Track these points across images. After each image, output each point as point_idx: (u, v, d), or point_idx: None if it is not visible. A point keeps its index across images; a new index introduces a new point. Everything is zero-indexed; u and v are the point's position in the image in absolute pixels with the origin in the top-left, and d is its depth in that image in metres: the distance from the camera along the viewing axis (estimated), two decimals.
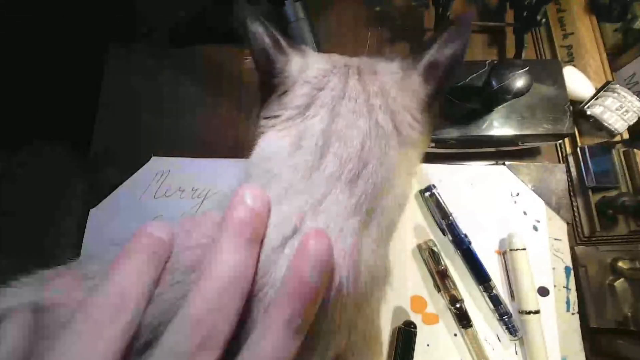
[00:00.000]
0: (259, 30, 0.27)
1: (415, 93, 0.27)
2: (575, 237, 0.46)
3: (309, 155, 0.24)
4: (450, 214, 0.43)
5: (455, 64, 0.27)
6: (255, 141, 0.28)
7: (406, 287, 0.43)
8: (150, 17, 0.55)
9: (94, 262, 0.20)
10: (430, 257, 0.43)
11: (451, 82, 0.28)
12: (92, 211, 0.46)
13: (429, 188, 0.45)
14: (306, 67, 0.28)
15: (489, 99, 0.41)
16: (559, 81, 0.44)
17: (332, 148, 0.23)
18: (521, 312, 0.41)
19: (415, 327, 0.40)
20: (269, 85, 0.28)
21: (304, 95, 0.26)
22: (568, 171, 0.48)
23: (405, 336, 0.40)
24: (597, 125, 0.47)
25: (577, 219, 0.46)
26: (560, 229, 0.46)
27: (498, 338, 0.42)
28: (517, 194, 0.47)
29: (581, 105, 0.47)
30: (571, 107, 0.43)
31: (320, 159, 0.23)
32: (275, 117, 0.27)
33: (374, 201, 0.23)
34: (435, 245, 0.43)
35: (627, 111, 0.46)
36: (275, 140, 0.26)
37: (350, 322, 0.21)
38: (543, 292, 0.43)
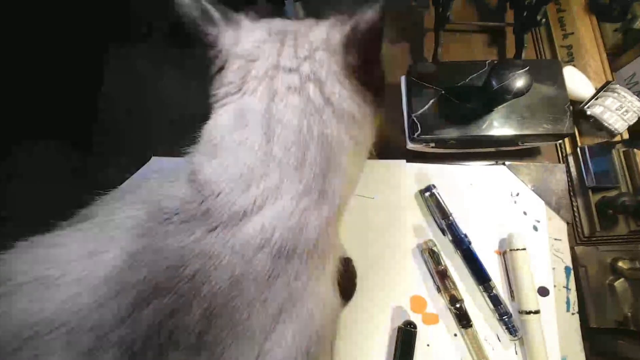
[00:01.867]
0: (185, 1, 0.27)
1: (337, 54, 0.26)
2: (575, 237, 0.46)
3: (257, 137, 0.25)
4: (450, 214, 0.43)
5: (372, 35, 0.25)
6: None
7: (406, 287, 0.43)
8: (150, 17, 0.55)
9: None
10: (430, 257, 0.43)
11: (372, 53, 0.27)
12: None
13: (429, 188, 0.45)
14: (238, 39, 0.28)
15: (489, 99, 0.41)
16: (559, 81, 0.44)
17: (276, 131, 0.25)
18: (521, 312, 0.41)
19: (415, 327, 0.40)
20: (209, 60, 0.28)
21: (238, 69, 0.27)
22: (568, 171, 0.48)
23: (405, 336, 0.40)
24: (597, 125, 0.47)
25: (577, 219, 0.46)
26: (560, 229, 0.46)
27: (498, 338, 0.42)
28: (517, 194, 0.47)
29: (581, 105, 0.47)
30: (571, 107, 0.43)
31: (267, 143, 0.25)
32: (217, 94, 0.28)
33: (323, 184, 0.25)
34: (435, 245, 0.43)
35: (627, 111, 0.46)
36: (219, 116, 0.27)
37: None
38: (543, 292, 0.43)
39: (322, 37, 0.27)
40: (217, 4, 0.28)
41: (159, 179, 0.27)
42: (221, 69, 0.28)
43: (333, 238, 0.27)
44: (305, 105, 0.25)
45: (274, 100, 0.25)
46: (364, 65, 0.26)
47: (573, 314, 0.43)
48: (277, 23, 0.30)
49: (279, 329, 0.23)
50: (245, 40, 0.28)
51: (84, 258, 0.22)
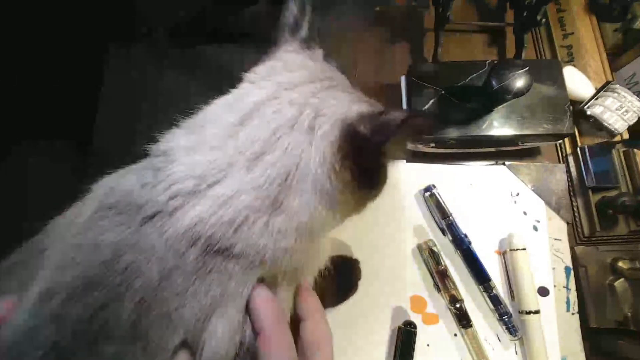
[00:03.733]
0: (292, 7, 0.30)
1: (350, 113, 0.26)
2: (575, 237, 0.46)
3: (232, 118, 0.25)
4: (450, 214, 0.43)
5: (390, 127, 0.24)
6: None
7: (406, 287, 0.43)
8: (150, 17, 0.55)
9: None
10: (430, 257, 0.43)
11: (380, 136, 0.25)
12: None
13: (429, 188, 0.45)
14: (294, 52, 0.30)
15: (489, 99, 0.41)
16: (559, 81, 0.44)
17: (251, 122, 0.25)
18: (521, 312, 0.41)
19: (415, 327, 0.40)
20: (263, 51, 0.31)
21: (271, 68, 0.28)
22: (568, 171, 0.48)
23: (405, 336, 0.40)
24: (597, 125, 0.47)
25: (577, 219, 0.46)
26: (560, 229, 0.46)
27: (498, 338, 0.42)
28: (517, 194, 0.47)
29: (581, 105, 0.47)
30: (571, 107, 0.43)
31: (237, 125, 0.25)
32: (242, 78, 0.29)
33: (276, 193, 0.23)
34: (435, 245, 0.43)
35: (627, 111, 0.46)
36: (223, 98, 0.28)
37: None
38: (543, 292, 0.43)
39: (350, 99, 0.27)
40: (313, 29, 0.31)
41: (117, 174, 0.28)
42: (262, 62, 0.30)
43: (302, 258, 0.26)
44: (290, 119, 0.25)
45: (270, 101, 0.25)
46: (368, 141, 0.25)
47: (573, 314, 0.43)
48: (333, 73, 0.31)
49: (212, 321, 0.23)
50: (298, 57, 0.30)
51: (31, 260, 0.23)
